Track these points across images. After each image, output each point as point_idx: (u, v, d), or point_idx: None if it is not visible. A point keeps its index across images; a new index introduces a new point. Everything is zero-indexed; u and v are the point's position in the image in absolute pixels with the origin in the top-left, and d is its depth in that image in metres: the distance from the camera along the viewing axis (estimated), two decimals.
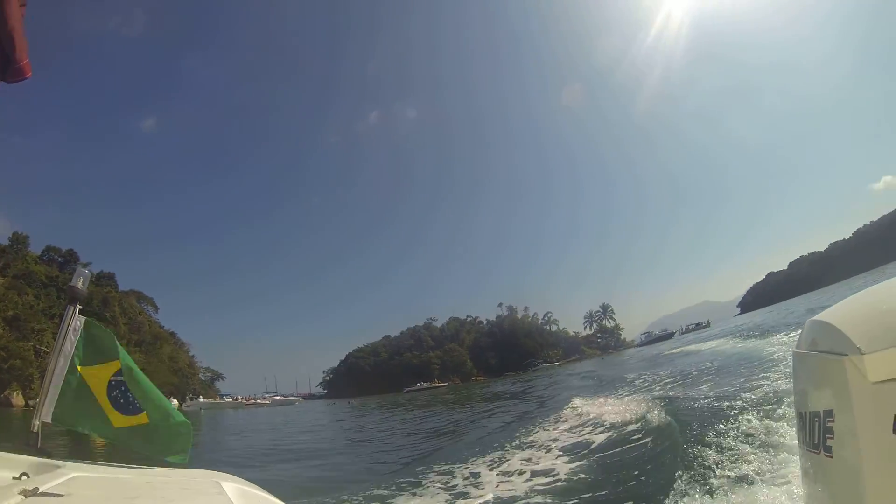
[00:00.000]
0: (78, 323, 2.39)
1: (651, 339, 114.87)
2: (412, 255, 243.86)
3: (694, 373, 18.67)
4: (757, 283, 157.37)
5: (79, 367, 2.39)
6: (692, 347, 37.41)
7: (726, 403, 8.41)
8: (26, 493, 1.31)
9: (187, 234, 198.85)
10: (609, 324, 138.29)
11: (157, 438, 2.57)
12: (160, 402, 2.64)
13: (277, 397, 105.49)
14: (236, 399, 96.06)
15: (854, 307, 1.67)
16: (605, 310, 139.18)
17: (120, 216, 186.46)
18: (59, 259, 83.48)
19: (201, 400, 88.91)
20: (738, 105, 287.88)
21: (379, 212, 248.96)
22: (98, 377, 2.45)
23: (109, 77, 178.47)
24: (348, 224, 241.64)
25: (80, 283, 2.44)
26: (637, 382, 20.77)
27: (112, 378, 2.47)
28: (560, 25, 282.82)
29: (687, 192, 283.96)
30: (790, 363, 2.05)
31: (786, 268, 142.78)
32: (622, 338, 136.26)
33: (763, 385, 9.55)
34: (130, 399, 2.50)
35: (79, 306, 2.41)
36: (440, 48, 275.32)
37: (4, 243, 76.38)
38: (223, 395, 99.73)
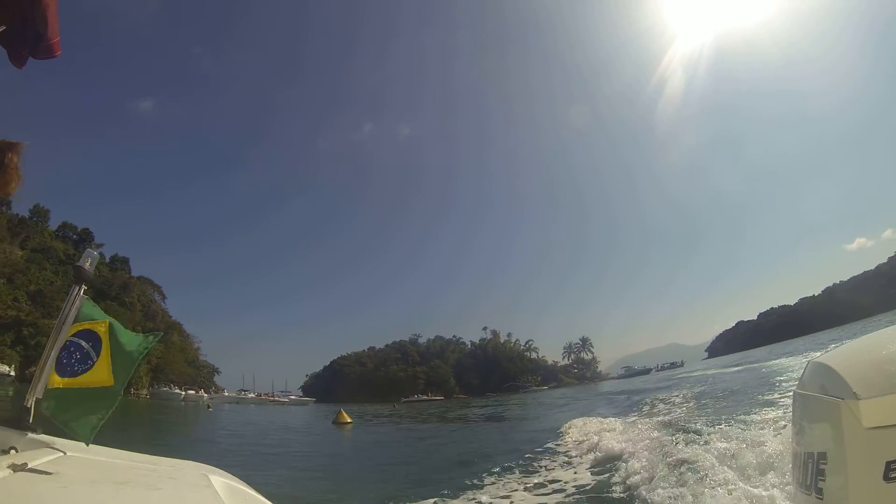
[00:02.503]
0: (81, 303, 2.29)
1: (630, 374, 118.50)
2: (382, 266, 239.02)
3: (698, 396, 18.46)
4: (727, 330, 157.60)
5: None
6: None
7: (719, 431, 8.28)
8: (15, 468, 1.29)
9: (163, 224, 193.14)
10: (587, 356, 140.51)
11: (75, 406, 2.20)
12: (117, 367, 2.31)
13: (292, 396, 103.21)
14: (259, 395, 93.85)
15: (855, 352, 1.64)
16: (585, 342, 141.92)
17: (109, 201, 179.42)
18: (74, 237, 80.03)
19: (226, 394, 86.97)
20: (723, 155, 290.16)
21: (368, 226, 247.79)
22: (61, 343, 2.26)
23: (118, 63, 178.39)
24: (328, 230, 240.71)
25: (87, 263, 2.36)
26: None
27: (69, 339, 2.25)
28: (564, 58, 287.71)
29: (660, 236, 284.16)
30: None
31: (755, 318, 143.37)
32: (598, 370, 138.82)
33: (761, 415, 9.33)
34: (74, 361, 2.24)
35: (84, 286, 2.31)
36: (424, 73, 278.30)
37: (24, 214, 72.34)
38: (244, 391, 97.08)
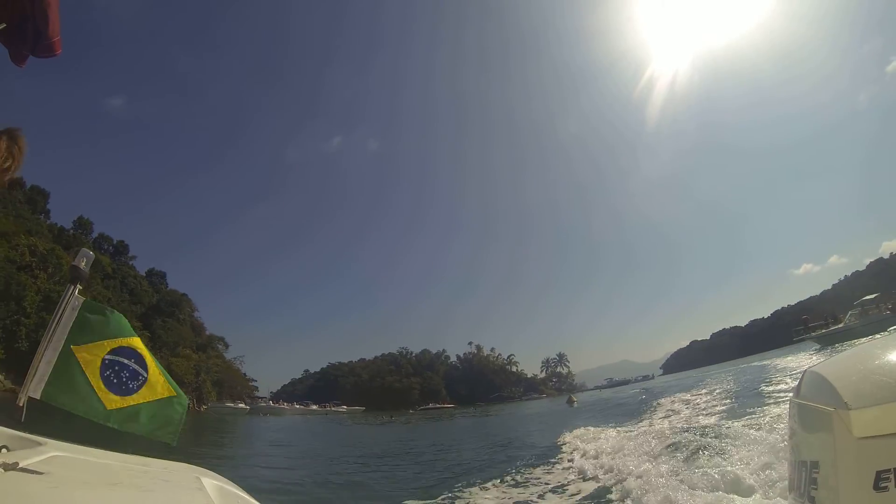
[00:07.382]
0: (76, 303, 2.17)
1: (612, 384, 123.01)
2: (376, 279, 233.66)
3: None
4: (681, 349, 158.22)
5: (72, 347, 2.13)
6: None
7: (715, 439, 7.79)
8: (6, 467, 1.17)
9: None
10: (563, 370, 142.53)
11: (149, 419, 2.26)
12: (168, 378, 2.40)
13: (344, 406, 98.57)
14: (324, 406, 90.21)
15: (848, 362, 1.54)
16: (562, 358, 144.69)
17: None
18: (111, 249, 74.22)
19: (297, 406, 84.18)
20: (681, 183, 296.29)
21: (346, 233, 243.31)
22: (91, 357, 2.17)
23: (101, 60, 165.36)
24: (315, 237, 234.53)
25: (82, 263, 2.25)
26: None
27: (106, 357, 2.18)
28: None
29: (604, 256, 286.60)
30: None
31: (708, 338, 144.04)
32: (574, 383, 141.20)
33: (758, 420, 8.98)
34: (125, 379, 2.21)
35: (79, 286, 2.19)
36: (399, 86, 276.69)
37: (67, 226, 67.50)
38: (307, 402, 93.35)
